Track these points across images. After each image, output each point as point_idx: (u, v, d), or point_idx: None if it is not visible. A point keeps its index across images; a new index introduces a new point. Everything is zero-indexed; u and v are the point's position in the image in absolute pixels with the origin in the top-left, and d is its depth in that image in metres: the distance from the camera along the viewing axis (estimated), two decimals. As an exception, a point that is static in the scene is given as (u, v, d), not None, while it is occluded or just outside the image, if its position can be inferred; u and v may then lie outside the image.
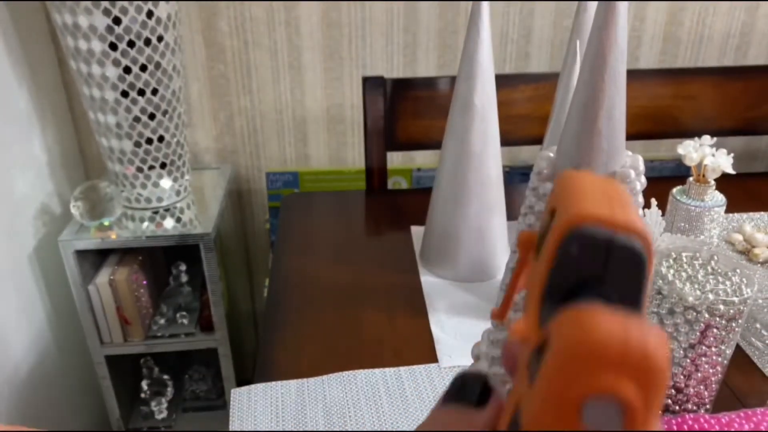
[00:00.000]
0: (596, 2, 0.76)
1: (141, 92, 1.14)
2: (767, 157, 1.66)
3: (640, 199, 0.46)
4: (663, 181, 1.02)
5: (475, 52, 0.75)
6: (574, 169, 0.36)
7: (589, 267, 0.17)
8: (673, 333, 0.56)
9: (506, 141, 0.86)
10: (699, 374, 0.58)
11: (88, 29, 1.06)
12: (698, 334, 0.55)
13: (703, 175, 0.80)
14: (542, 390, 0.16)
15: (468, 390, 0.22)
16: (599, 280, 0.17)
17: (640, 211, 0.48)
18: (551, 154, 0.38)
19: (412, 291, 0.83)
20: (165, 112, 1.19)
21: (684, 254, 0.59)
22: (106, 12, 1.05)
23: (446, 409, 0.22)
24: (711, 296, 0.54)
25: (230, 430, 0.63)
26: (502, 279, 0.82)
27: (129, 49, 1.09)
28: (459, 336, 0.75)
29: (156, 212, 1.28)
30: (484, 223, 0.81)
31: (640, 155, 0.43)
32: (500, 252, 0.84)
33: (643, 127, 1.21)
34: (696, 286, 0.55)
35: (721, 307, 0.54)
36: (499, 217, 0.83)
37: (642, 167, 0.43)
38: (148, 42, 1.10)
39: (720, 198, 0.81)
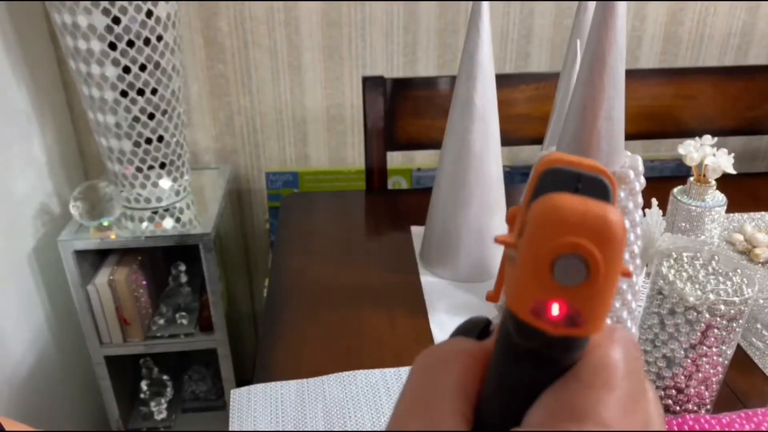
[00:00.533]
0: (596, 2, 0.76)
1: (140, 92, 1.14)
2: (768, 157, 1.66)
3: (639, 199, 0.46)
4: (664, 181, 1.02)
5: (475, 51, 0.75)
6: None
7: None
8: (674, 333, 0.56)
9: (506, 141, 0.86)
10: (700, 374, 0.57)
11: (87, 29, 1.05)
12: (699, 334, 0.55)
13: (704, 175, 0.79)
14: (520, 258, 0.18)
15: (471, 327, 0.24)
16: None
17: (640, 211, 0.47)
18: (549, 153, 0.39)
19: (412, 291, 0.83)
20: (164, 112, 1.18)
21: (685, 254, 0.59)
22: (106, 11, 1.05)
23: (449, 338, 0.24)
24: (712, 296, 0.53)
25: (230, 430, 0.63)
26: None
27: (128, 48, 1.09)
28: (459, 336, 0.74)
29: (155, 212, 1.27)
30: (484, 223, 0.81)
31: (639, 155, 0.43)
32: (500, 252, 0.84)
33: (644, 127, 1.20)
34: (697, 286, 0.55)
35: (722, 307, 0.53)
36: (500, 217, 0.83)
37: (641, 167, 0.43)
38: (147, 42, 1.10)
39: (721, 198, 0.80)
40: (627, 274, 0.20)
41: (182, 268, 1.41)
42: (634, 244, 0.40)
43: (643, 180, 0.40)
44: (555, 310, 0.18)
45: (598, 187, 0.20)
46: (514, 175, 1.50)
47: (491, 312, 0.79)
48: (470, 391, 0.22)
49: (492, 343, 0.22)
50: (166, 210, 1.29)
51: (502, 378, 0.21)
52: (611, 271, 0.18)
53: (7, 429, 0.42)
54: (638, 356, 0.21)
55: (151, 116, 1.17)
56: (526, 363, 0.20)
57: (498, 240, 0.21)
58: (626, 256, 0.40)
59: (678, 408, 0.59)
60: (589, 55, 0.36)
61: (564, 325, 0.18)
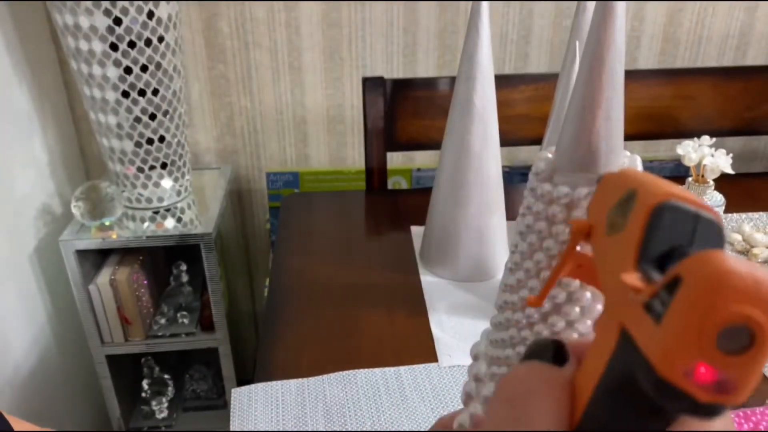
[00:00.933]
0: (595, 2, 0.76)
1: (142, 93, 1.14)
2: (766, 158, 1.66)
3: None
4: (662, 181, 1.02)
5: (474, 52, 0.75)
6: (573, 169, 0.36)
7: (680, 235, 0.20)
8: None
9: (506, 141, 0.86)
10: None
11: (88, 30, 1.06)
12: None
13: (702, 176, 0.80)
14: (675, 324, 0.17)
15: (541, 351, 0.23)
16: (689, 245, 0.20)
17: None
18: (550, 155, 0.39)
19: (412, 291, 0.83)
20: (166, 113, 1.19)
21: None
22: (107, 12, 1.05)
23: (527, 364, 0.23)
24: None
25: (231, 429, 0.63)
26: (502, 278, 0.82)
27: (130, 49, 1.09)
28: (459, 335, 0.75)
29: (156, 212, 1.28)
30: (483, 223, 0.82)
31: (638, 155, 0.43)
32: (500, 252, 0.85)
33: (643, 128, 1.21)
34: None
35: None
36: (499, 217, 0.83)
37: (640, 167, 0.43)
38: (148, 42, 1.10)
39: (719, 198, 0.81)
40: None
41: (183, 267, 1.41)
42: None
43: None
44: (708, 375, 0.17)
45: (714, 231, 0.20)
46: (513, 176, 1.51)
47: (490, 311, 0.79)
48: (564, 425, 0.21)
49: (573, 371, 0.22)
50: (168, 210, 1.29)
51: (608, 421, 0.20)
52: None
53: (14, 428, 0.42)
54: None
55: (153, 117, 1.17)
56: (641, 411, 0.19)
57: (628, 282, 0.20)
58: None
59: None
60: (588, 55, 0.36)
61: (713, 390, 0.17)
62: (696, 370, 0.17)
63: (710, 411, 0.18)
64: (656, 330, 0.18)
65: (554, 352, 0.23)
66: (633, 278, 0.20)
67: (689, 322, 0.17)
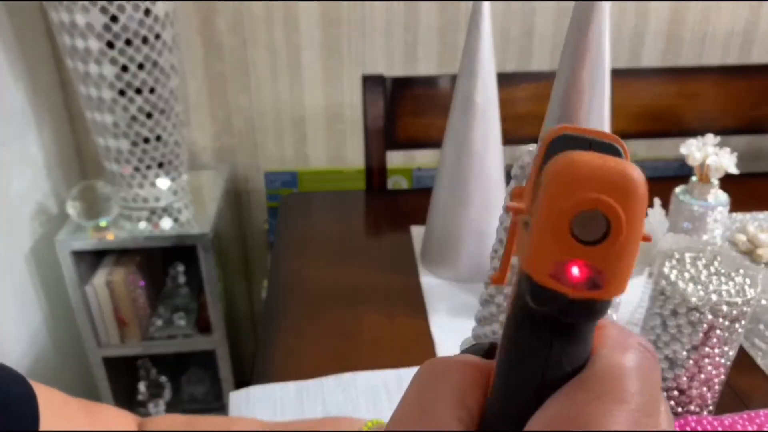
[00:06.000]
0: (575, 2, 0.75)
1: (138, 91, 1.13)
2: (769, 157, 1.65)
3: None
4: (666, 181, 1.01)
5: (476, 50, 0.75)
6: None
7: None
8: (676, 334, 0.55)
9: (508, 140, 0.85)
10: (702, 376, 0.57)
11: (85, 27, 1.05)
12: (701, 335, 0.54)
13: (707, 175, 0.79)
14: (536, 225, 0.18)
15: (475, 349, 0.23)
16: None
17: None
18: (532, 149, 0.38)
19: (412, 291, 0.82)
20: (162, 111, 1.18)
21: (687, 254, 0.58)
22: (103, 10, 1.04)
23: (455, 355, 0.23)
24: (714, 297, 0.53)
25: None
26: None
27: (126, 47, 1.08)
28: (459, 337, 0.74)
29: (153, 212, 1.27)
30: (484, 224, 0.81)
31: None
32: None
33: (646, 126, 1.20)
34: (699, 286, 0.55)
35: (725, 308, 0.53)
36: (500, 217, 0.82)
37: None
38: (145, 40, 1.09)
39: (723, 198, 0.80)
40: (647, 239, 0.19)
41: (180, 268, 1.40)
42: None
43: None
44: (575, 271, 0.17)
45: (610, 152, 0.19)
46: (514, 175, 1.50)
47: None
48: (471, 401, 0.21)
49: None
50: (164, 210, 1.28)
51: (513, 359, 0.20)
52: (633, 229, 0.17)
53: (38, 393, 0.42)
54: (654, 366, 0.20)
55: (149, 115, 1.16)
56: (542, 333, 0.19)
57: (509, 207, 0.20)
58: None
59: (680, 409, 0.59)
60: (568, 55, 0.35)
61: (585, 287, 0.17)
62: (566, 269, 0.17)
63: (588, 310, 0.18)
64: (526, 238, 0.18)
65: (488, 349, 0.23)
66: (515, 202, 0.20)
67: (547, 218, 0.17)
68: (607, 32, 0.34)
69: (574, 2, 0.75)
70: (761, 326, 0.71)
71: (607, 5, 0.34)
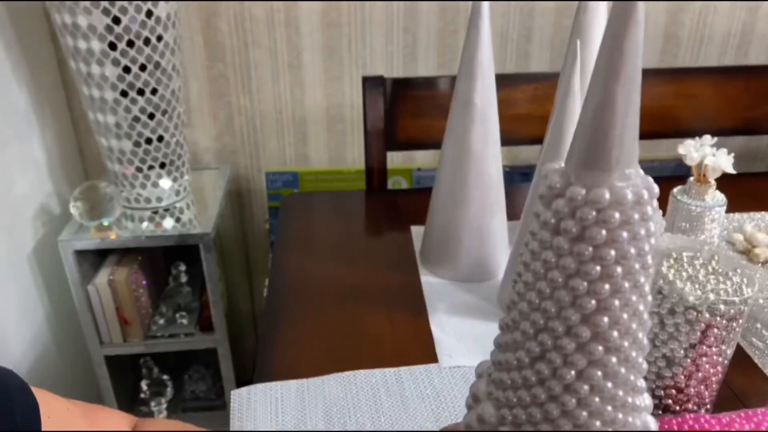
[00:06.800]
0: (597, 2, 0.76)
1: (140, 92, 1.14)
2: None
3: (652, 226, 0.37)
4: (663, 181, 1.01)
5: (475, 51, 0.75)
6: (588, 181, 0.36)
7: None
8: (673, 333, 0.56)
9: (506, 141, 0.86)
10: (700, 374, 0.57)
11: (87, 29, 1.05)
12: (699, 334, 0.55)
13: (704, 175, 0.79)
14: None
15: None
16: None
17: (653, 240, 0.39)
18: (558, 166, 0.37)
19: (412, 291, 0.83)
20: (164, 112, 1.18)
21: (684, 254, 0.59)
22: (106, 11, 1.05)
23: None
24: (712, 296, 0.53)
25: (230, 430, 0.63)
26: (503, 278, 0.81)
27: (128, 48, 1.09)
28: (459, 336, 0.74)
29: (155, 212, 1.27)
30: (484, 223, 0.81)
31: (650, 177, 0.38)
32: (500, 252, 0.84)
33: (644, 127, 1.19)
34: (697, 286, 0.55)
35: (722, 307, 0.53)
36: (500, 217, 0.83)
37: (656, 189, 0.37)
38: (147, 41, 1.10)
39: (721, 198, 0.80)
40: None
41: (182, 267, 1.41)
42: (641, 275, 0.36)
43: (656, 203, 0.36)
44: None
45: None
46: (513, 175, 1.50)
47: (491, 312, 0.79)
48: None
49: None
50: (166, 210, 1.29)
51: None
52: None
53: (40, 400, 0.43)
54: None
55: (151, 116, 1.17)
56: None
57: None
58: (633, 290, 0.37)
59: (678, 407, 0.59)
60: (605, 52, 0.34)
61: None
62: None
63: None
64: None
65: None
66: None
67: None
68: (641, 45, 0.33)
69: (587, 3, 0.76)
70: (758, 325, 0.72)
71: (642, 18, 0.32)
